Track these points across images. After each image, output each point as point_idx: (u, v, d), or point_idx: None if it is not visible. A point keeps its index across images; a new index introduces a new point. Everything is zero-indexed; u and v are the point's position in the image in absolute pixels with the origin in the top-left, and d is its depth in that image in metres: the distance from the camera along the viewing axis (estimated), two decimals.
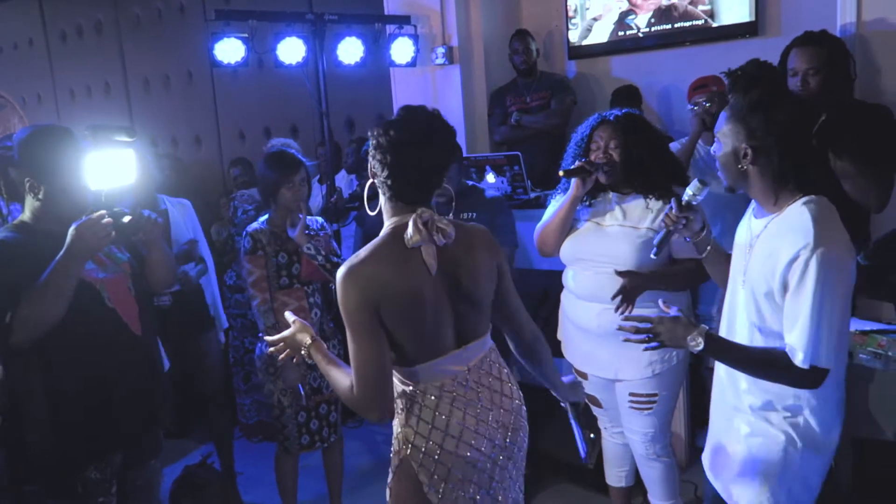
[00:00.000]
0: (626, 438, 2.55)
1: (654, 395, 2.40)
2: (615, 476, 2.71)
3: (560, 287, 2.59)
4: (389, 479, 1.69)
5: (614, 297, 2.29)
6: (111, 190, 1.94)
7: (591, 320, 2.41)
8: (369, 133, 1.64)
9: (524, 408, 1.81)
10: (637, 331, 1.71)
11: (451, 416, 1.64)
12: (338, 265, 2.73)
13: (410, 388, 1.66)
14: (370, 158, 1.62)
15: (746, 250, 1.70)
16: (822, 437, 1.65)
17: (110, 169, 1.91)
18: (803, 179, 1.61)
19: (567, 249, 2.47)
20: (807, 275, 1.52)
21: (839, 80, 2.49)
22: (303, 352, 1.71)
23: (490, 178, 3.39)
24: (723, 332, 1.81)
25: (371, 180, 1.65)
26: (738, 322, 1.73)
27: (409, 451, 1.64)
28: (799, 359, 1.54)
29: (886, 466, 2.66)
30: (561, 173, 2.40)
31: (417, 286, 1.57)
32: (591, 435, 3.02)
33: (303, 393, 2.67)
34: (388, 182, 1.59)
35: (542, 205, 2.78)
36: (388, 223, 1.65)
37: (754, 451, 1.67)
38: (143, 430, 2.09)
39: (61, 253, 1.80)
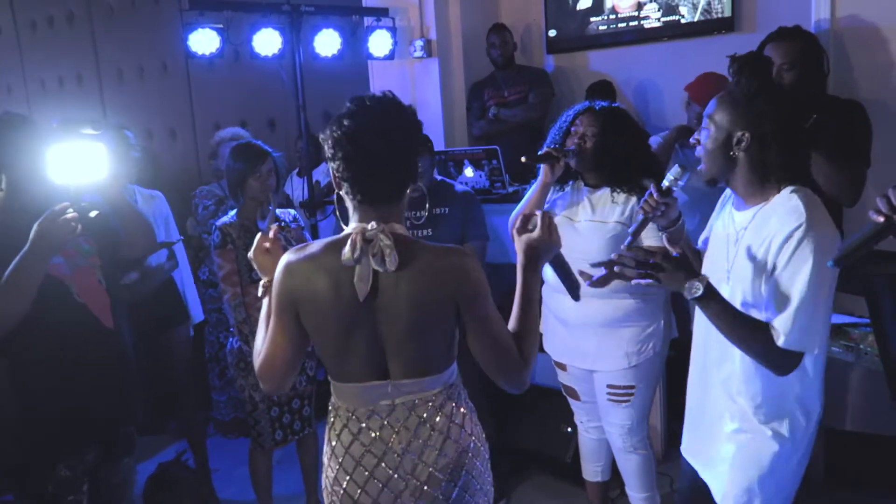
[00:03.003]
0: (604, 432, 2.56)
1: (632, 387, 2.41)
2: (591, 471, 2.73)
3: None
4: None
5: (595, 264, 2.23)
6: (80, 185, 1.86)
7: (569, 312, 2.42)
8: (321, 134, 1.45)
9: (469, 477, 1.52)
10: (637, 264, 1.59)
11: (351, 448, 1.49)
12: None
13: (332, 399, 1.56)
14: (328, 160, 1.45)
15: (731, 244, 1.68)
16: (807, 426, 1.66)
17: (78, 163, 1.84)
18: (788, 172, 1.60)
19: None
20: (798, 255, 1.50)
21: (813, 76, 2.51)
22: (262, 282, 1.60)
23: (468, 172, 3.38)
24: (701, 328, 1.81)
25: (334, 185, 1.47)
26: None
27: (325, 464, 1.57)
28: (781, 340, 1.52)
29: (856, 457, 2.70)
30: (523, 159, 2.38)
31: (337, 303, 1.42)
32: (568, 429, 3.04)
33: None
34: (348, 181, 1.43)
35: (519, 199, 2.79)
36: (349, 226, 1.48)
37: (744, 447, 1.66)
38: (115, 426, 2.05)
39: (24, 249, 1.74)
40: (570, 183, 2.46)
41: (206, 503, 3.08)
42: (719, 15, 3.74)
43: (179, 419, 3.42)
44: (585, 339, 2.43)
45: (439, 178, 3.08)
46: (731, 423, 1.68)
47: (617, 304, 2.37)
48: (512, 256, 3.22)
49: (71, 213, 1.76)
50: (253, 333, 2.61)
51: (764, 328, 1.54)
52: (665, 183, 1.82)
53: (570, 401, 2.67)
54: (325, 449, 1.56)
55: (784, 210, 1.56)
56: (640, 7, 4.02)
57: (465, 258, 1.45)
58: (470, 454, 1.54)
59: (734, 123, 1.60)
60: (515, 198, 3.24)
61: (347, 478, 1.49)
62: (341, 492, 1.50)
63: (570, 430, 3.03)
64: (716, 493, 1.73)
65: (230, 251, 2.62)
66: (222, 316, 3.69)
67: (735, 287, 1.64)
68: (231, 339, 2.73)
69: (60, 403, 1.91)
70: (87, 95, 6.36)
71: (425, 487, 1.48)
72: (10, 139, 1.84)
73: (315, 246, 1.47)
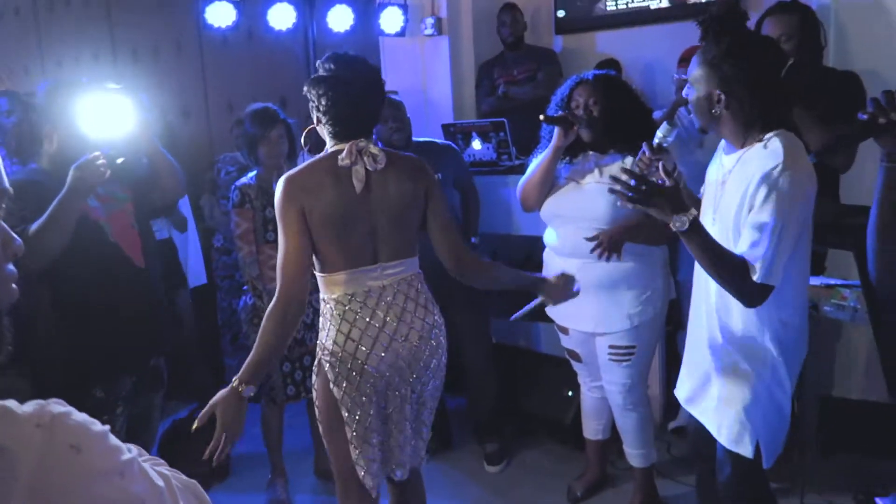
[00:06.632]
0: (605, 391, 2.64)
1: (633, 346, 2.50)
2: (592, 429, 2.81)
3: (542, 251, 2.68)
4: (313, 378, 1.92)
5: (593, 251, 2.38)
6: (112, 136, 2.07)
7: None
8: (306, 86, 1.82)
9: (442, 338, 1.96)
10: (629, 187, 1.63)
11: (355, 322, 1.82)
12: None
13: (327, 295, 1.87)
14: (314, 108, 1.83)
15: (718, 187, 1.76)
16: (789, 365, 1.74)
17: (107, 115, 2.03)
18: (771, 120, 1.68)
19: (547, 207, 2.55)
20: (772, 192, 1.58)
21: (810, 47, 2.58)
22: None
23: (476, 144, 3.46)
24: (698, 279, 1.89)
25: (311, 127, 1.90)
26: None
27: (322, 352, 1.87)
28: (755, 274, 1.60)
29: (850, 424, 2.76)
30: (541, 118, 2.47)
31: (342, 199, 1.79)
32: (569, 393, 3.13)
33: None
34: (331, 122, 1.81)
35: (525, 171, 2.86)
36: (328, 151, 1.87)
37: (727, 382, 1.76)
38: (145, 356, 2.21)
39: (63, 190, 1.95)
40: (580, 156, 2.54)
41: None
42: None
43: (189, 382, 3.52)
44: (587, 303, 2.50)
45: (417, 139, 3.10)
46: (714, 360, 1.78)
47: (618, 266, 2.45)
48: (516, 228, 3.32)
49: (101, 161, 1.96)
50: (266, 290, 2.73)
51: (740, 263, 1.62)
52: (655, 140, 1.89)
53: (573, 363, 2.75)
54: (328, 333, 1.85)
55: (764, 153, 1.64)
56: None
57: (423, 162, 1.94)
58: (441, 333, 1.96)
59: (709, 83, 1.68)
60: (521, 170, 3.30)
61: (354, 345, 1.82)
62: (350, 357, 1.82)
63: (570, 393, 3.12)
64: (711, 429, 1.82)
65: (248, 210, 2.73)
66: (235, 282, 3.79)
67: (721, 227, 1.72)
68: (244, 297, 2.84)
69: (95, 331, 2.11)
70: (103, 74, 6.45)
71: (420, 356, 1.89)
72: (63, 101, 2.04)
73: (302, 165, 1.86)
